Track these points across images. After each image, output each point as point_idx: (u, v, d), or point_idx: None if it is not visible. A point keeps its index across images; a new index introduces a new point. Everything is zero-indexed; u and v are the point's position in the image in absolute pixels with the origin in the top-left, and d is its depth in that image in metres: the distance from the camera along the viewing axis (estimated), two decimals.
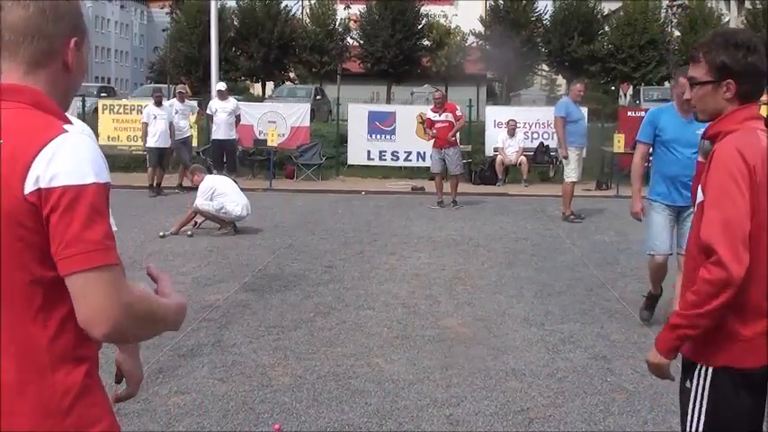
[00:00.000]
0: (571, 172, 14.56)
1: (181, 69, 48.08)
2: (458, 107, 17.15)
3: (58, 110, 2.15)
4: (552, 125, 18.62)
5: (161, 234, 12.53)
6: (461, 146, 17.25)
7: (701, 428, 3.20)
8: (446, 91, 23.99)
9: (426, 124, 17.26)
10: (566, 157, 14.44)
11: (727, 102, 3.20)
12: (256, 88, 56.13)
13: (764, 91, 3.28)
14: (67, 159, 1.98)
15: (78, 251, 1.95)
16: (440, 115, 16.38)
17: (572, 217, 14.68)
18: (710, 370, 3.15)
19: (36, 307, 2.02)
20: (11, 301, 2.01)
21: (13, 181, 1.97)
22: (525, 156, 20.85)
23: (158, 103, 18.26)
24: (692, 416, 3.23)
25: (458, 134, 16.77)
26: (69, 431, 2.05)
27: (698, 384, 3.19)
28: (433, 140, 16.71)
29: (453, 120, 16.39)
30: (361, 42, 49.12)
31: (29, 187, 1.96)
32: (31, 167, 1.96)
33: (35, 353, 2.03)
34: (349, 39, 49.58)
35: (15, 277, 2.00)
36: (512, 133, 20.99)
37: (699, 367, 3.19)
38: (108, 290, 1.99)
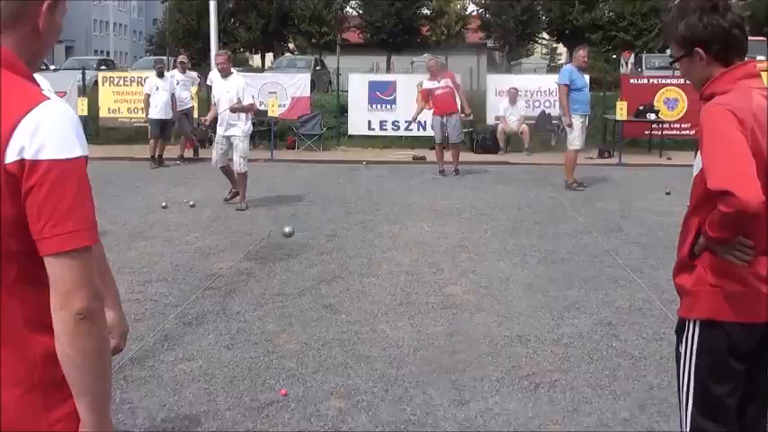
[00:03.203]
0: (574, 140, 14.47)
1: (180, 41, 47.95)
2: (456, 75, 17.07)
3: (29, 72, 2.07)
4: (554, 93, 18.58)
5: (163, 205, 12.51)
6: (463, 114, 17.05)
7: (691, 389, 3.22)
8: (446, 60, 23.88)
9: (422, 96, 17.10)
10: (570, 125, 14.35)
11: (708, 68, 3.17)
12: (256, 60, 56.03)
13: (745, 46, 3.21)
14: (54, 130, 1.92)
15: (69, 229, 1.92)
16: (438, 82, 16.26)
17: (575, 185, 14.62)
18: (697, 326, 3.17)
19: (11, 279, 1.98)
20: None
21: None
22: (527, 124, 20.76)
23: (160, 75, 18.18)
24: (683, 378, 3.25)
25: (458, 102, 16.65)
26: (46, 402, 2.03)
27: (687, 345, 3.21)
28: (433, 109, 16.64)
29: (452, 85, 16.31)
30: (360, 12, 48.93)
31: (10, 157, 1.89)
32: (13, 136, 1.89)
33: (12, 325, 1.99)
34: (348, 8, 49.38)
35: None
36: (513, 101, 20.88)
37: (687, 326, 3.21)
38: (89, 270, 1.97)
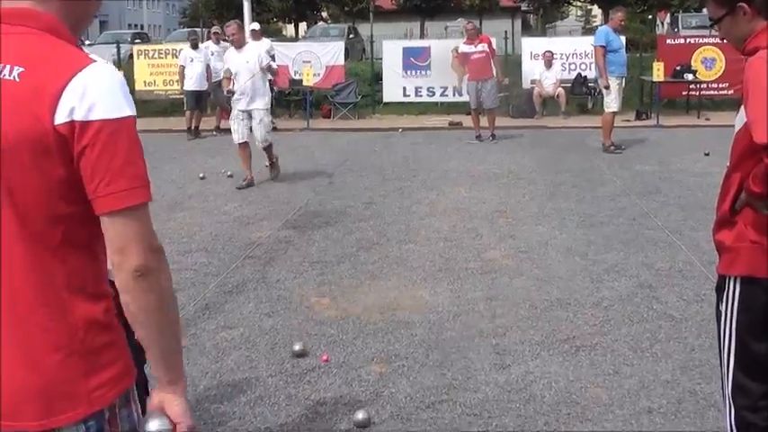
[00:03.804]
0: (611, 102, 14.32)
1: (213, 13, 47.96)
2: (492, 40, 16.92)
3: (73, 38, 2.07)
4: (590, 55, 18.41)
5: (201, 176, 12.58)
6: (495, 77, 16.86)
7: (732, 347, 3.20)
8: (480, 25, 23.72)
9: (459, 60, 17.01)
10: (607, 87, 14.18)
11: (751, 23, 3.13)
12: (289, 29, 55.95)
13: None
14: (103, 91, 1.94)
15: (122, 187, 1.92)
16: (475, 46, 16.14)
17: (612, 148, 14.50)
18: (737, 283, 3.13)
19: (56, 242, 1.98)
20: (31, 236, 1.97)
21: (39, 111, 1.89)
22: (563, 87, 20.58)
23: (194, 46, 18.22)
24: (724, 336, 3.23)
25: (494, 68, 16.50)
26: (86, 369, 2.03)
27: (727, 302, 3.18)
28: (468, 74, 16.54)
29: (488, 50, 16.18)
30: None
31: (60, 118, 1.89)
32: (62, 97, 1.89)
33: (55, 289, 2.00)
34: None
35: (36, 212, 1.95)
36: (548, 65, 20.67)
37: (727, 283, 3.18)
38: (146, 227, 1.99)
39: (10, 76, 1.94)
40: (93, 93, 1.92)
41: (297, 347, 5.51)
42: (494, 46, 16.80)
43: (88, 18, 2.20)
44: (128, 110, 1.98)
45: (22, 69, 1.94)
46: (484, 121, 16.57)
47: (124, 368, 2.12)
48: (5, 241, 1.98)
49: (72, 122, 1.89)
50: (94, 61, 1.98)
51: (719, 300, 3.26)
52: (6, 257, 1.99)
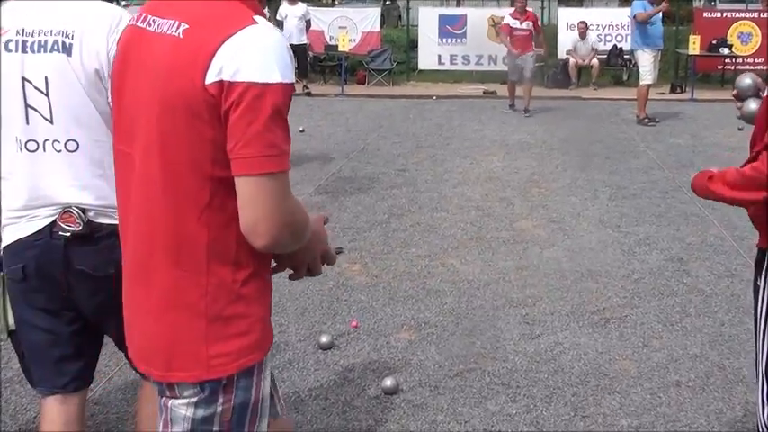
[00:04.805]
0: (646, 74, 14.24)
1: None
2: (538, 17, 16.72)
3: (253, 1, 2.07)
4: (626, 27, 18.25)
5: None
6: (535, 49, 16.69)
7: None
8: None
9: (501, 29, 16.86)
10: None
11: None
12: None
13: None
14: (255, 54, 1.90)
15: (255, 153, 1.89)
16: (521, 23, 15.94)
17: (646, 120, 14.41)
18: None
19: (202, 205, 1.98)
20: (177, 195, 1.99)
21: (194, 69, 1.90)
22: (598, 59, 20.41)
23: None
24: (761, 310, 3.20)
25: (533, 43, 16.32)
26: (209, 334, 2.03)
27: (767, 276, 3.15)
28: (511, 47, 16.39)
29: (533, 29, 16.01)
30: None
31: (210, 78, 1.88)
32: (215, 57, 1.88)
33: (194, 250, 2.01)
34: None
35: (186, 173, 1.96)
36: (582, 37, 20.47)
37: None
38: (277, 200, 1.93)
39: (176, 32, 1.96)
40: (245, 54, 1.90)
41: (324, 339, 5.28)
42: (539, 24, 16.62)
43: None
44: (277, 75, 1.91)
45: (187, 27, 1.95)
46: (519, 92, 16.43)
47: (255, 343, 2.11)
48: (151, 198, 2.02)
49: (221, 82, 1.88)
50: (256, 23, 1.96)
51: (758, 274, 3.23)
52: (149, 213, 2.03)
